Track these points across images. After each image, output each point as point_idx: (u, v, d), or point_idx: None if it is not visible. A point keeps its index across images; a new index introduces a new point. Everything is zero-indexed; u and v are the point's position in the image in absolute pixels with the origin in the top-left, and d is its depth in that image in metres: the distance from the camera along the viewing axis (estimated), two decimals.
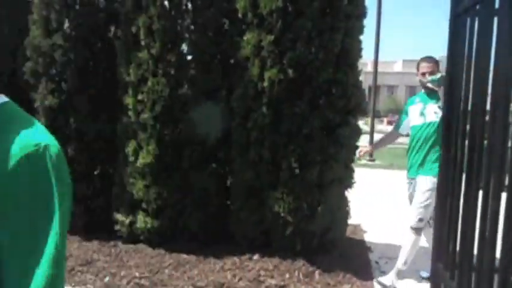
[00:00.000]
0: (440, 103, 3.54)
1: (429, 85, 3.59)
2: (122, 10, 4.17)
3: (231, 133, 4.06)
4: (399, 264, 3.66)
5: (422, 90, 3.81)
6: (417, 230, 3.63)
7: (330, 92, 3.86)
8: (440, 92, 3.46)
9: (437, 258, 2.70)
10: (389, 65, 77.06)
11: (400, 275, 3.72)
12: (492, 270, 1.91)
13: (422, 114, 3.68)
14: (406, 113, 3.95)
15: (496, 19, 1.72)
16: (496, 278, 1.86)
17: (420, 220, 3.58)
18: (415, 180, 3.72)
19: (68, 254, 4.03)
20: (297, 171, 3.83)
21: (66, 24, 4.38)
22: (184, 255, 4.00)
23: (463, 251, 2.21)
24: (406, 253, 3.63)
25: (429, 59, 3.73)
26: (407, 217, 3.74)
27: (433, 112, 3.60)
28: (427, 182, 3.58)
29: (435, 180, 3.31)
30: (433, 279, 2.81)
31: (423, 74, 3.66)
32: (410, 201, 3.77)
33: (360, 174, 4.26)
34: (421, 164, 3.65)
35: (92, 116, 4.37)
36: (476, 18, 2.00)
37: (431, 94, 3.69)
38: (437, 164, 3.36)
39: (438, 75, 3.49)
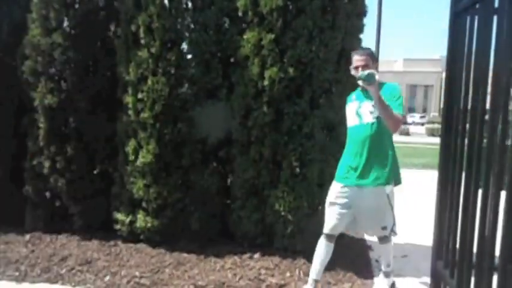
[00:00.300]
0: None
1: (359, 82, 3.01)
2: (121, 9, 4.15)
3: (231, 132, 4.06)
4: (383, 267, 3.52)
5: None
6: (384, 238, 3.35)
7: (331, 91, 3.86)
8: (372, 89, 2.86)
9: (437, 257, 2.71)
10: (390, 64, 77.08)
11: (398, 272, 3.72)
12: (492, 268, 1.91)
13: (357, 114, 3.15)
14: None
15: (495, 18, 1.72)
16: (495, 276, 1.86)
17: (384, 228, 3.24)
18: (353, 190, 3.14)
19: (68, 253, 4.03)
20: (298, 170, 3.83)
21: (66, 23, 4.37)
22: (185, 255, 4.00)
23: (463, 249, 2.22)
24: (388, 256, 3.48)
25: (362, 51, 3.22)
26: (404, 216, 3.71)
27: (369, 112, 3.07)
28: (376, 196, 3.10)
29: (385, 189, 3.08)
30: (433, 277, 2.82)
31: (356, 68, 3.13)
32: (346, 209, 3.20)
33: None
34: (362, 173, 3.08)
35: (92, 115, 4.36)
36: (476, 17, 2.00)
37: (366, 91, 3.08)
38: (383, 171, 3.07)
39: (366, 72, 2.80)
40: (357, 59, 3.14)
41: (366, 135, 3.06)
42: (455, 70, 2.34)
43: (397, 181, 3.26)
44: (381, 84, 2.96)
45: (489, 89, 1.91)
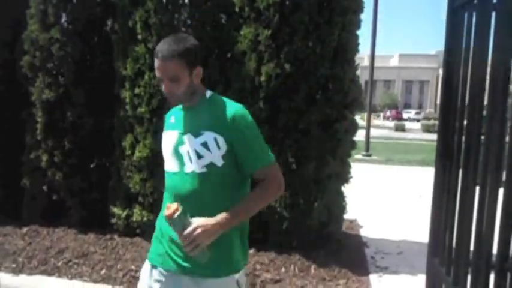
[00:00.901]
0: (207, 134, 1.60)
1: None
2: (118, 4, 4.15)
3: None
4: None
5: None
6: None
7: (327, 87, 3.85)
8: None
9: (433, 254, 2.71)
10: (386, 60, 77.29)
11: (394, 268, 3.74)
12: (489, 267, 1.92)
13: (176, 154, 1.69)
14: None
15: (493, 14, 1.72)
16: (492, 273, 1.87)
17: None
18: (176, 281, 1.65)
19: (64, 246, 4.04)
20: (294, 166, 3.83)
21: (64, 18, 4.38)
22: None
23: (459, 247, 2.22)
24: None
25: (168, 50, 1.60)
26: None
27: (195, 153, 1.62)
28: None
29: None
30: (428, 274, 2.83)
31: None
32: None
33: (357, 169, 4.26)
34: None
35: (89, 110, 4.36)
36: (474, 13, 2.00)
37: (192, 114, 1.69)
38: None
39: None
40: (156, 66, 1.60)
41: (186, 192, 1.64)
42: (453, 66, 2.34)
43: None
44: (216, 106, 1.67)
45: (487, 86, 1.91)
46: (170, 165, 1.69)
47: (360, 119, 21.67)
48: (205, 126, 1.60)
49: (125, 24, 4.05)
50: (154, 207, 4.09)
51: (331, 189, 3.99)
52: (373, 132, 16.87)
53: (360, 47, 4.15)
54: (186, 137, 1.63)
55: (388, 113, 53.89)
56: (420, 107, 73.96)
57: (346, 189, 4.28)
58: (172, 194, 1.67)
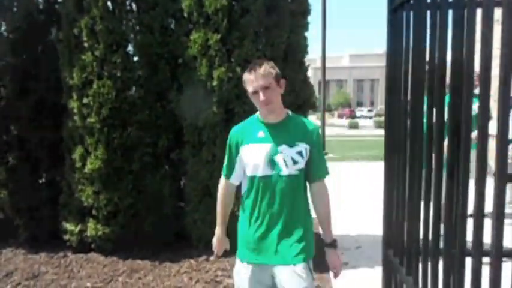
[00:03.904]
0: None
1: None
2: (62, 11, 4.01)
3: (182, 134, 4.01)
4: None
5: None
6: None
7: None
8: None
9: (387, 246, 2.79)
10: (337, 60, 79.27)
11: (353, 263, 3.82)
12: (438, 254, 2.00)
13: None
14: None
15: (428, 12, 1.80)
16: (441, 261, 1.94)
17: None
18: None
19: (13, 268, 3.84)
20: None
21: (3, 27, 4.19)
22: (139, 261, 3.91)
23: (410, 238, 2.30)
24: None
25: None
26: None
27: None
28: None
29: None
30: (384, 266, 2.91)
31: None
32: None
33: None
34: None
35: (35, 123, 4.18)
36: (411, 12, 2.08)
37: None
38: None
39: None
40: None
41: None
42: (395, 65, 2.42)
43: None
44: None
45: (426, 80, 1.99)
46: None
47: (316, 118, 21.89)
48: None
49: (70, 32, 3.92)
50: (110, 220, 3.98)
51: None
52: (328, 131, 17.20)
53: (312, 49, 4.24)
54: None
55: (342, 112, 55.16)
56: (372, 104, 76.36)
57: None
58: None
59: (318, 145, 2.08)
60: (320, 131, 2.17)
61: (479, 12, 1.55)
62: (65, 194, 4.15)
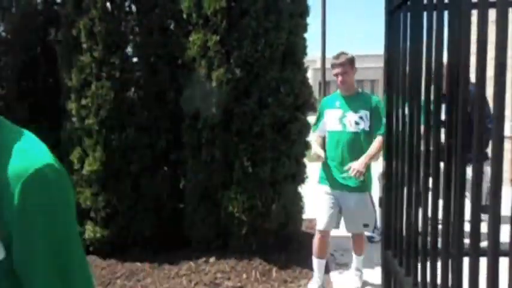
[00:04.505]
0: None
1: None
2: (61, 12, 4.02)
3: (181, 135, 4.01)
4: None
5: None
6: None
7: (278, 90, 3.89)
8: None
9: (386, 247, 2.78)
10: None
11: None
12: (436, 254, 1.99)
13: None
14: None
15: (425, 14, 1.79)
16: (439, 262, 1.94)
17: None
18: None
19: None
20: (250, 169, 3.83)
21: (1, 28, 4.18)
22: (138, 264, 3.90)
23: (408, 238, 2.30)
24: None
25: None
26: None
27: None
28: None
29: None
30: (383, 267, 2.90)
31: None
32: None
33: (312, 169, 4.32)
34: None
35: (33, 124, 4.17)
36: (408, 14, 2.08)
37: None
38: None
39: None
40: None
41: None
42: (393, 67, 2.42)
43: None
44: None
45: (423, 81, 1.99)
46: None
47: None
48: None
49: (69, 33, 3.92)
50: (108, 222, 3.97)
51: (288, 190, 4.02)
52: None
53: (313, 50, 4.25)
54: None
55: None
56: None
57: (303, 189, 4.33)
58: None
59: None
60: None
61: (474, 13, 1.55)
62: None
